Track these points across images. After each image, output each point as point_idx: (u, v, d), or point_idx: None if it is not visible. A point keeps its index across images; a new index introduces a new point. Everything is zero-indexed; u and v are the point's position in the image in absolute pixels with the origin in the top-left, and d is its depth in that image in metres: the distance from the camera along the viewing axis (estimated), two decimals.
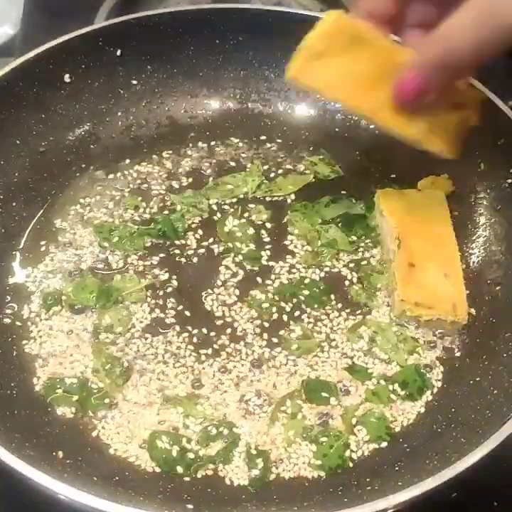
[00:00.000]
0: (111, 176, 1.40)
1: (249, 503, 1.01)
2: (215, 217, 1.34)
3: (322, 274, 1.27)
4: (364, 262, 1.28)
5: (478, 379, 1.13)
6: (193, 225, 1.33)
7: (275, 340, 1.19)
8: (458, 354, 1.18)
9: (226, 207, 1.35)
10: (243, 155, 1.44)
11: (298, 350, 1.17)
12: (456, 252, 1.22)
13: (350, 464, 1.07)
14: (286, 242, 1.31)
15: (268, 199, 1.36)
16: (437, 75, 1.00)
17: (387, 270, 1.25)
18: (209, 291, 1.24)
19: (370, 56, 1.03)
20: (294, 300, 1.23)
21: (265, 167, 1.41)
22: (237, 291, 1.24)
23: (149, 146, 1.45)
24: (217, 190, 1.37)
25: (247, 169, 1.41)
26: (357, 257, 1.29)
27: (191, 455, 1.06)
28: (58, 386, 1.12)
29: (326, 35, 1.02)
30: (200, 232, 1.32)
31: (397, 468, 1.02)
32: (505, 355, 1.13)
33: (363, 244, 1.31)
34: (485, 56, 0.96)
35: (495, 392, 1.08)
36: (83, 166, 1.40)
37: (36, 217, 1.32)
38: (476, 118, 1.14)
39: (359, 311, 1.23)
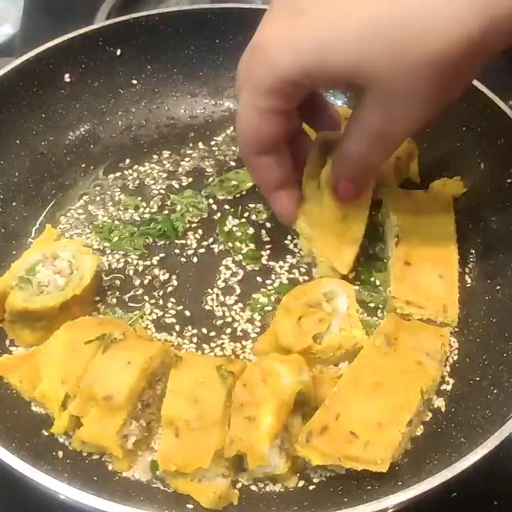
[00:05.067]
0: (111, 176, 1.40)
1: (248, 503, 1.02)
2: (215, 217, 1.34)
3: None
4: (365, 260, 1.28)
5: (478, 379, 1.13)
6: (193, 225, 1.33)
7: None
8: (458, 354, 1.18)
9: (226, 206, 1.35)
10: None
11: None
12: (454, 254, 1.22)
13: None
14: (286, 242, 1.31)
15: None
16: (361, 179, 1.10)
17: (385, 266, 1.26)
18: (209, 291, 1.24)
19: None
20: None
21: None
22: (237, 291, 1.24)
23: (149, 146, 1.45)
24: (223, 187, 1.38)
25: None
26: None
27: None
28: None
29: None
30: (200, 231, 1.32)
31: (397, 468, 1.02)
32: (505, 355, 1.13)
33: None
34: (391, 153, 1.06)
35: (495, 391, 1.08)
36: (83, 166, 1.40)
37: (36, 218, 1.32)
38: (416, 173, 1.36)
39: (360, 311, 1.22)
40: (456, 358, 1.17)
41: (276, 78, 0.95)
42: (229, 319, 1.21)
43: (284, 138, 1.07)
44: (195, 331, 1.19)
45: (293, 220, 1.19)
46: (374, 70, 0.90)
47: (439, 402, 1.12)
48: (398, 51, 0.88)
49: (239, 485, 1.03)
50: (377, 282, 1.25)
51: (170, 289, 1.24)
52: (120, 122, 1.47)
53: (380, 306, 1.22)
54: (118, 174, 1.40)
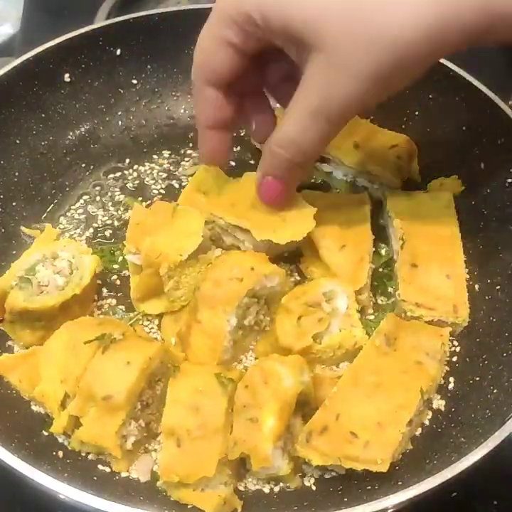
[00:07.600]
0: (111, 176, 1.40)
1: (249, 503, 1.02)
2: None
3: None
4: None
5: (478, 378, 1.13)
6: None
7: None
8: (458, 354, 1.18)
9: None
10: (243, 155, 1.44)
11: None
12: (459, 253, 1.22)
13: None
14: None
15: None
16: (292, 174, 1.07)
17: (393, 270, 1.25)
18: None
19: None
20: None
21: None
22: None
23: (149, 146, 1.45)
24: None
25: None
26: None
27: None
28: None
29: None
30: None
31: (397, 468, 1.02)
32: (505, 354, 1.13)
33: None
34: (329, 141, 1.03)
35: (495, 391, 1.08)
36: (83, 165, 1.40)
37: (36, 218, 1.32)
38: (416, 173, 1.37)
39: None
40: (456, 358, 1.17)
41: (237, 12, 0.98)
42: None
43: (235, 80, 1.06)
44: None
45: (214, 163, 1.19)
46: (327, 28, 0.90)
47: (439, 402, 1.12)
48: (352, 18, 0.89)
49: (239, 485, 1.04)
50: (381, 282, 1.25)
51: None
52: (120, 122, 1.47)
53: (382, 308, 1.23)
54: (118, 174, 1.40)
